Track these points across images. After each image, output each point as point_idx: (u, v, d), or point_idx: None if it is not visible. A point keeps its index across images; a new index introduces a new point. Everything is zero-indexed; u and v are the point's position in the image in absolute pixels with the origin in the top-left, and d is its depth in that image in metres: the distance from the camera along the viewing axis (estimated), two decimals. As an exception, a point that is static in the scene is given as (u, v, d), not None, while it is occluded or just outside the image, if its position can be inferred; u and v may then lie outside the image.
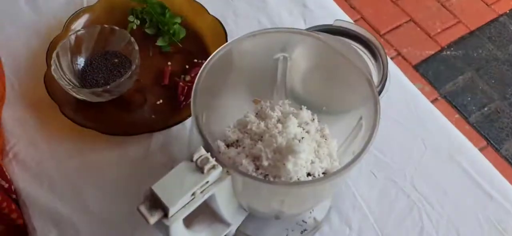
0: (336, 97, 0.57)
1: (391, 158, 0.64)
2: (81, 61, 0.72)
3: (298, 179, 0.49)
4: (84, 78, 0.70)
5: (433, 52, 1.59)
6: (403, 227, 0.58)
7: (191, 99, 0.48)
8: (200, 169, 0.41)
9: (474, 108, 1.48)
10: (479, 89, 1.51)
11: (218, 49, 0.52)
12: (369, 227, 0.58)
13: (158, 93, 0.72)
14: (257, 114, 0.56)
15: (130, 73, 0.67)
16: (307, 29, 0.70)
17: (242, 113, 0.56)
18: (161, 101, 0.71)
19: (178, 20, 0.78)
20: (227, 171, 0.43)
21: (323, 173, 0.51)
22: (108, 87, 0.66)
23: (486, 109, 1.48)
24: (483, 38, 1.63)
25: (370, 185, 0.61)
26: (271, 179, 0.49)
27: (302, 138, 0.50)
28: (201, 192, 0.41)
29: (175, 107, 0.70)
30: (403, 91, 0.70)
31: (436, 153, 0.64)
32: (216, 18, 0.77)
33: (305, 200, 0.46)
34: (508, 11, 1.70)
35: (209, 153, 0.42)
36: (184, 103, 0.70)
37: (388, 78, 0.65)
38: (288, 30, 0.55)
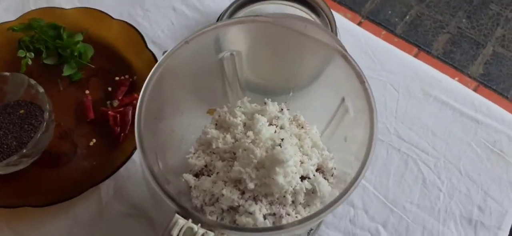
0: (298, 71, 0.50)
1: (367, 116, 0.58)
2: (-22, 128, 0.58)
3: (293, 189, 0.41)
4: (-11, 147, 0.57)
5: (343, -24, 1.55)
6: (405, 184, 0.54)
7: (138, 149, 0.38)
8: (186, 246, 0.32)
9: (397, 19, 1.48)
10: (396, 0, 1.51)
11: (149, 75, 0.42)
12: (371, 198, 0.53)
13: (87, 133, 0.60)
14: (216, 125, 0.47)
15: (45, 122, 0.55)
16: (233, 2, 0.61)
17: (200, 130, 0.47)
18: (94, 140, 0.60)
19: (80, 37, 0.66)
20: (222, 233, 0.33)
21: (317, 170, 0.44)
22: (25, 151, 0.53)
23: (407, 17, 1.49)
24: None
25: (357, 153, 0.55)
26: (263, 198, 0.41)
27: (282, 140, 0.42)
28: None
29: (113, 143, 0.59)
30: (355, 39, 0.63)
31: (410, 94, 0.59)
32: (123, 21, 0.66)
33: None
34: None
35: (190, 220, 0.33)
36: (122, 134, 0.59)
37: (338, 33, 0.59)
38: (223, 24, 0.47)
